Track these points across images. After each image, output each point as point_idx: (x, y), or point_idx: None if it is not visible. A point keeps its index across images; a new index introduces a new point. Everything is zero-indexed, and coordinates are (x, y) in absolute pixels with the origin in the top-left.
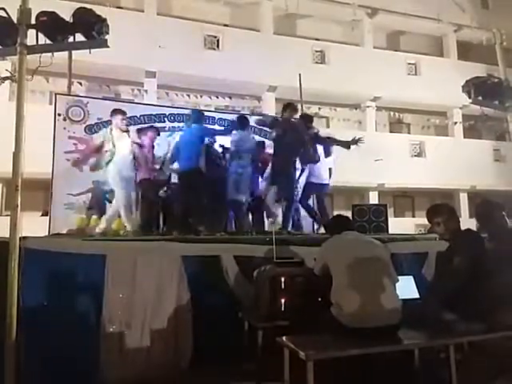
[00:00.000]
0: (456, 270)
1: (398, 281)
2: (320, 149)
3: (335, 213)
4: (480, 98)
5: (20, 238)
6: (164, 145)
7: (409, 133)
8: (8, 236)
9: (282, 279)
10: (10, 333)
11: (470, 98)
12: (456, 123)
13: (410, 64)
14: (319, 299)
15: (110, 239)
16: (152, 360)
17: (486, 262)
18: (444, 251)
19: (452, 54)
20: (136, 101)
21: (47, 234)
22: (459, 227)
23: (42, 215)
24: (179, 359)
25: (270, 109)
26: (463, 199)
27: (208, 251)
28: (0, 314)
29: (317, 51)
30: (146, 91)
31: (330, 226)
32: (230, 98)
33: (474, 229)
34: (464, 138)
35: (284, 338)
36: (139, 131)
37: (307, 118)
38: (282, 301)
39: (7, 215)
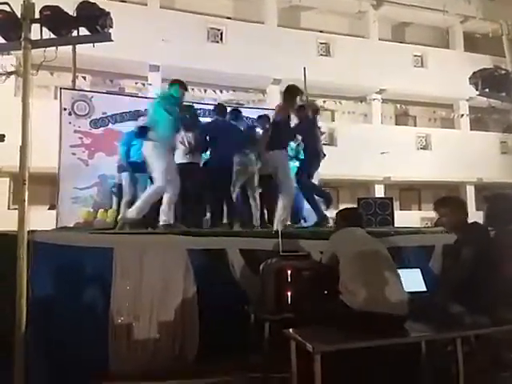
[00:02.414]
0: (462, 262)
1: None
2: None
3: (340, 206)
4: (487, 89)
5: (28, 232)
6: None
7: (415, 125)
8: (16, 229)
9: (288, 272)
10: (19, 325)
11: (477, 89)
12: (462, 115)
13: (415, 56)
14: (325, 292)
15: (117, 232)
16: (159, 351)
17: (494, 255)
18: (451, 244)
19: (458, 46)
20: (140, 95)
21: (55, 227)
22: (466, 220)
23: (50, 209)
24: (186, 351)
25: (275, 102)
26: (470, 192)
27: (213, 244)
28: (9, 307)
29: (321, 43)
30: (150, 85)
31: (339, 219)
32: (234, 91)
33: (481, 221)
34: (470, 130)
35: (291, 330)
36: None
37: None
38: (288, 294)
39: (15, 209)
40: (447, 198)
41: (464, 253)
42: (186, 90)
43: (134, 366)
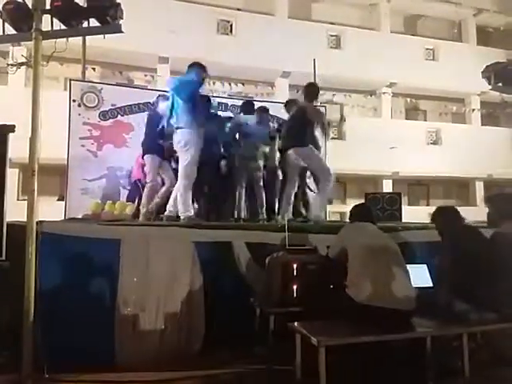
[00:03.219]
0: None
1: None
2: None
3: (347, 201)
4: (500, 84)
5: (37, 222)
6: None
7: (425, 120)
8: (25, 220)
9: (294, 266)
10: (27, 315)
11: (489, 84)
12: (474, 110)
13: (427, 49)
14: (331, 286)
15: (125, 224)
16: (165, 343)
17: (493, 254)
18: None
19: (471, 39)
20: (149, 87)
21: (63, 218)
22: (457, 228)
23: (58, 200)
24: (191, 342)
25: (284, 95)
26: (479, 188)
27: (220, 237)
28: (18, 297)
29: (332, 36)
30: (159, 77)
31: (351, 215)
32: (243, 84)
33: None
34: (482, 125)
35: (296, 323)
36: None
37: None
38: (294, 287)
39: (24, 200)
40: (437, 213)
41: (443, 256)
42: (206, 72)
43: (140, 357)
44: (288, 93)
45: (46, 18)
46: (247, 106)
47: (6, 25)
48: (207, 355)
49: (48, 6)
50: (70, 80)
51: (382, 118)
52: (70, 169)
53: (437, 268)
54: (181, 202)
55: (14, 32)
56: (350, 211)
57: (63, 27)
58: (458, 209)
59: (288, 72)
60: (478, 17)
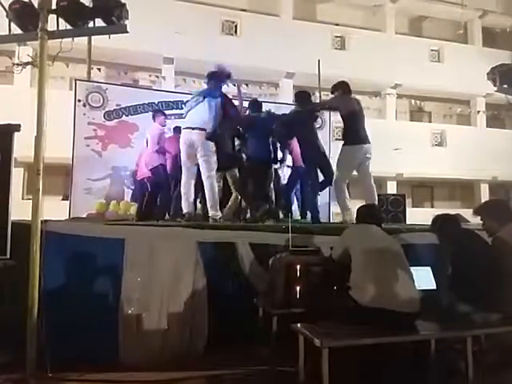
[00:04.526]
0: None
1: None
2: None
3: (351, 202)
4: (506, 85)
5: (41, 222)
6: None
7: (430, 121)
8: (30, 219)
9: (298, 267)
10: (31, 314)
11: (495, 85)
12: (479, 112)
13: (432, 50)
14: (334, 287)
15: (129, 224)
16: (168, 343)
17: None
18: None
19: (476, 41)
20: (154, 87)
21: (68, 217)
22: (455, 233)
23: (63, 199)
24: (194, 343)
25: (288, 96)
26: (484, 190)
27: (224, 238)
28: (22, 295)
29: (337, 37)
30: (163, 77)
31: (357, 215)
32: (247, 85)
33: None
34: (487, 127)
35: (299, 324)
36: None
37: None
38: (297, 288)
39: (29, 199)
40: (436, 220)
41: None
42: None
43: (143, 357)
44: (292, 93)
45: (52, 17)
46: (255, 105)
47: (12, 24)
48: (210, 355)
49: (54, 6)
50: (76, 80)
51: (386, 120)
52: (74, 168)
53: (438, 271)
54: (212, 202)
55: (20, 32)
56: (357, 211)
57: (69, 27)
58: (463, 211)
59: (292, 73)
60: (483, 18)
